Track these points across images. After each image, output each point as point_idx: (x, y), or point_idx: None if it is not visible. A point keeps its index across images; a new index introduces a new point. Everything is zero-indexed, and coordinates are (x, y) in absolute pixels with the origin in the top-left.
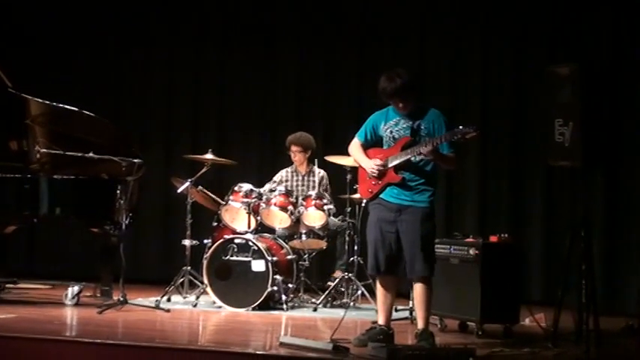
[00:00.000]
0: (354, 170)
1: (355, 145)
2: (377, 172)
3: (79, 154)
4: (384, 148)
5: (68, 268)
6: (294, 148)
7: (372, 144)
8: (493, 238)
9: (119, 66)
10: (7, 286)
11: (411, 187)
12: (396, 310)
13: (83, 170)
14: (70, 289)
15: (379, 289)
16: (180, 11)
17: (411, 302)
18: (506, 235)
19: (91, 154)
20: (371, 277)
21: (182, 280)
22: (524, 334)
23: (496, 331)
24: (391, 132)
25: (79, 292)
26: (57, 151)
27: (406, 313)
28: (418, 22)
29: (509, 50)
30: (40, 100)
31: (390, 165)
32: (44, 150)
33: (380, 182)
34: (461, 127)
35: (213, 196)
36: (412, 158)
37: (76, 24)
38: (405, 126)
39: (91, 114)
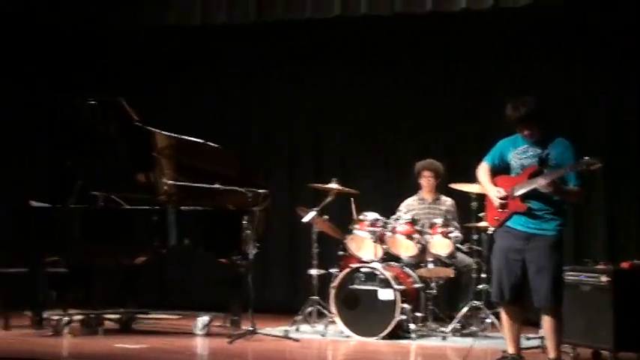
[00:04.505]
0: (480, 198)
1: (483, 170)
2: (499, 203)
3: (206, 186)
4: (511, 175)
5: (197, 298)
6: (426, 173)
7: (500, 169)
8: (625, 264)
9: (243, 97)
10: (139, 316)
11: (538, 215)
12: (528, 339)
13: (209, 201)
14: (199, 319)
15: (504, 318)
16: (301, 35)
17: (541, 330)
18: (638, 261)
19: (217, 185)
20: (495, 304)
21: (310, 309)
22: None
23: (631, 359)
24: (519, 159)
25: (209, 322)
26: (184, 183)
27: (537, 342)
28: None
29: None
30: (166, 133)
31: (516, 194)
32: (171, 182)
33: (506, 210)
34: (586, 158)
35: (335, 229)
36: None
37: (198, 54)
38: (532, 154)
39: (216, 145)
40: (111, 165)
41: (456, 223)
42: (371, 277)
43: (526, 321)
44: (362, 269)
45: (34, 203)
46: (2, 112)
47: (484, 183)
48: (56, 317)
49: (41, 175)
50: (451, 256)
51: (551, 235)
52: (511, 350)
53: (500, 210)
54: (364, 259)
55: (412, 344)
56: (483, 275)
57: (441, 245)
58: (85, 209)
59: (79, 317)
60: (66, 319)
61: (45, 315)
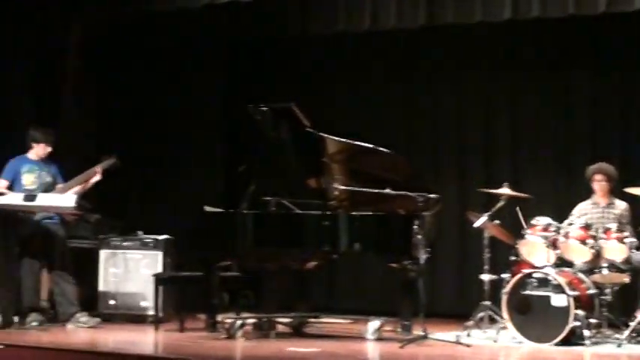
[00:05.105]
0: None
1: None
2: None
3: (377, 191)
4: None
5: (368, 302)
6: (597, 177)
7: None
8: None
9: (411, 101)
10: (310, 320)
11: None
12: None
13: (379, 206)
14: (371, 323)
15: None
16: (469, 38)
17: None
18: None
19: (388, 191)
20: None
21: (482, 314)
22: None
23: None
24: None
25: (380, 326)
26: (355, 188)
27: None
28: None
29: None
30: (338, 138)
31: None
32: (342, 187)
33: None
34: None
35: (507, 234)
36: None
37: (359, 62)
38: None
39: (387, 150)
40: (282, 170)
41: (630, 228)
42: (544, 282)
43: None
44: (534, 275)
45: (207, 208)
46: (180, 118)
47: None
48: (229, 320)
49: (217, 181)
50: (626, 261)
51: None
52: None
53: None
54: (536, 265)
55: (586, 351)
56: None
57: (616, 250)
58: (257, 214)
59: (252, 321)
60: (239, 322)
61: (218, 318)
